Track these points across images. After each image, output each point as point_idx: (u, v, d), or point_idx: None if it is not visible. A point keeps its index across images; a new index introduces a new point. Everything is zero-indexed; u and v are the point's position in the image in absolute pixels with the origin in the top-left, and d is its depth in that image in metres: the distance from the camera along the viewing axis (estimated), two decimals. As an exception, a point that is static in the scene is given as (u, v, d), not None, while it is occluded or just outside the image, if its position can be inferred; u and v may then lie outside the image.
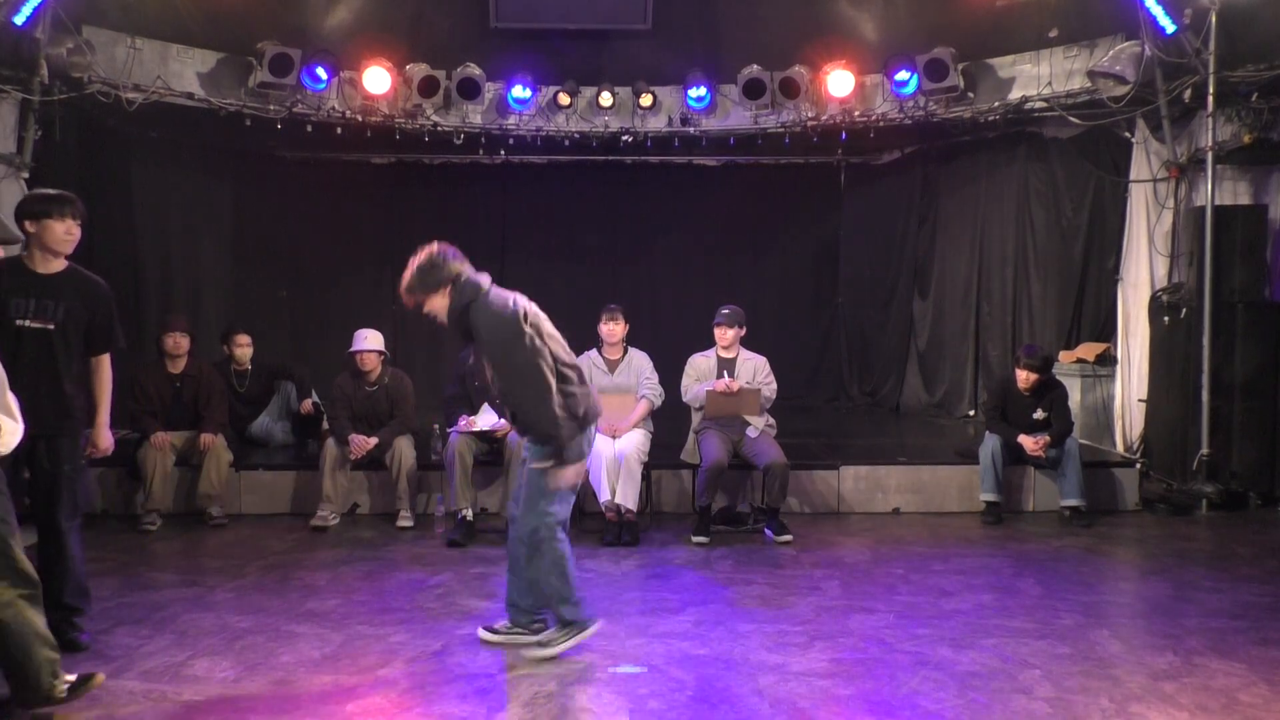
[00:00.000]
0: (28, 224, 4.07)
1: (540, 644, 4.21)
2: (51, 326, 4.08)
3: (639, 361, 6.44)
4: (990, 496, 6.64)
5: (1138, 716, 3.61)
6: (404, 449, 6.50)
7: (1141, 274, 7.58)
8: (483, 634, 4.37)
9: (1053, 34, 7.69)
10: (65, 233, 4.08)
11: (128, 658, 4.10)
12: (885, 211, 10.65)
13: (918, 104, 8.30)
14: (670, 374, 6.52)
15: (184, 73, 8.03)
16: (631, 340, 6.53)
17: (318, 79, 8.12)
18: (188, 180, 9.48)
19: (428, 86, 8.42)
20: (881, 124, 8.65)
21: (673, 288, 10.59)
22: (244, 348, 7.35)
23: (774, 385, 6.40)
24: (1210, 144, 6.83)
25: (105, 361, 4.30)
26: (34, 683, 3.46)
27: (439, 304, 4.15)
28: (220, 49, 8.13)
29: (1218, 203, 6.92)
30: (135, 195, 8.90)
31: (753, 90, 8.49)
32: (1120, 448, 7.59)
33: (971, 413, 9.45)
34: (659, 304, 10.45)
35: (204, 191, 9.71)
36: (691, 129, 8.90)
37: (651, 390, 6.37)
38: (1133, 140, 7.60)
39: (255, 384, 7.44)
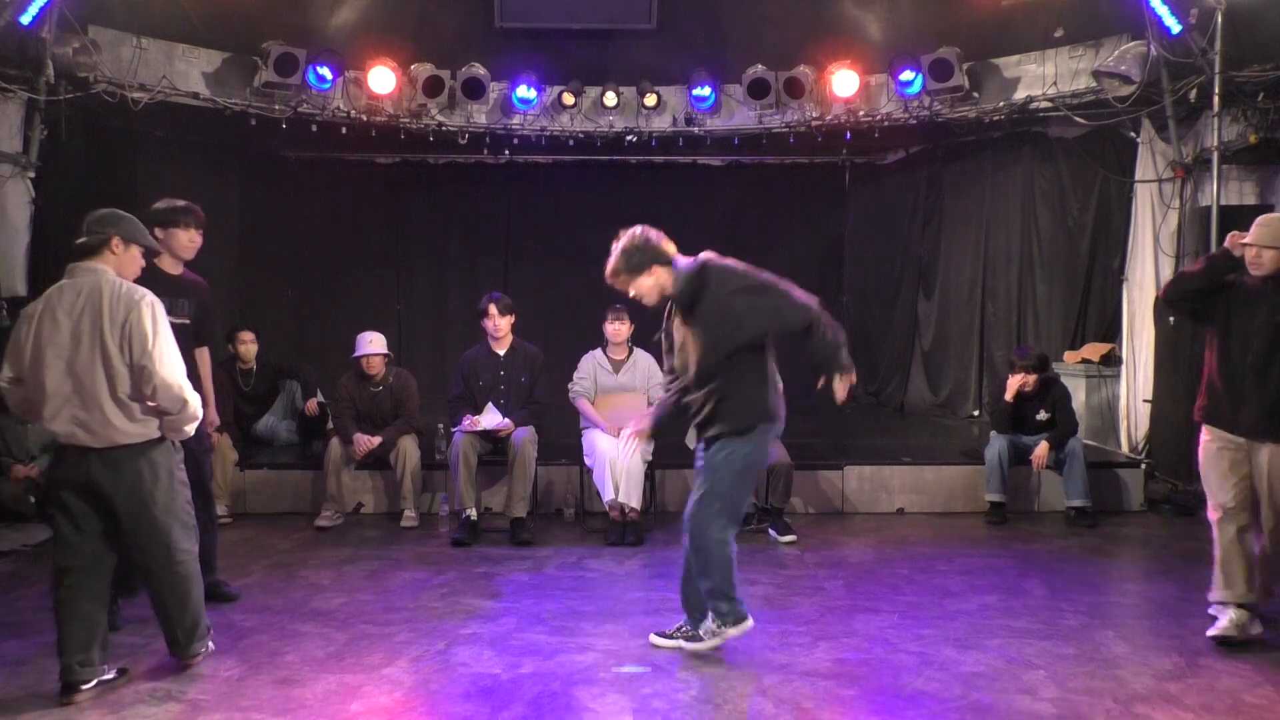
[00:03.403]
0: (157, 231, 4.45)
1: (695, 638, 4.22)
2: (187, 322, 4.57)
3: (645, 362, 6.43)
4: (995, 497, 6.63)
5: (1142, 717, 3.60)
6: (408, 448, 6.51)
7: (1147, 274, 7.55)
8: (654, 640, 4.30)
9: (1058, 34, 7.68)
10: (189, 240, 4.63)
11: (133, 656, 4.11)
12: (890, 211, 10.63)
13: (922, 104, 8.29)
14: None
15: (189, 72, 8.05)
16: (636, 340, 6.53)
17: (322, 79, 8.13)
18: (193, 180, 9.48)
19: (432, 86, 8.42)
20: (886, 124, 8.63)
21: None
22: (249, 345, 7.36)
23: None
24: (1216, 144, 6.81)
25: (206, 353, 4.87)
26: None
27: (646, 285, 4.19)
28: (225, 49, 8.14)
29: (1223, 203, 6.89)
30: (141, 195, 8.87)
31: (757, 90, 8.49)
32: (1125, 448, 7.57)
33: (976, 413, 9.43)
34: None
35: (209, 191, 9.69)
36: (696, 129, 8.89)
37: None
38: (1138, 140, 7.58)
39: (260, 383, 7.46)
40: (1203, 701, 3.73)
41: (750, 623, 4.18)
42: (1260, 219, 4.31)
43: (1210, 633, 4.35)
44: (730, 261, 4.16)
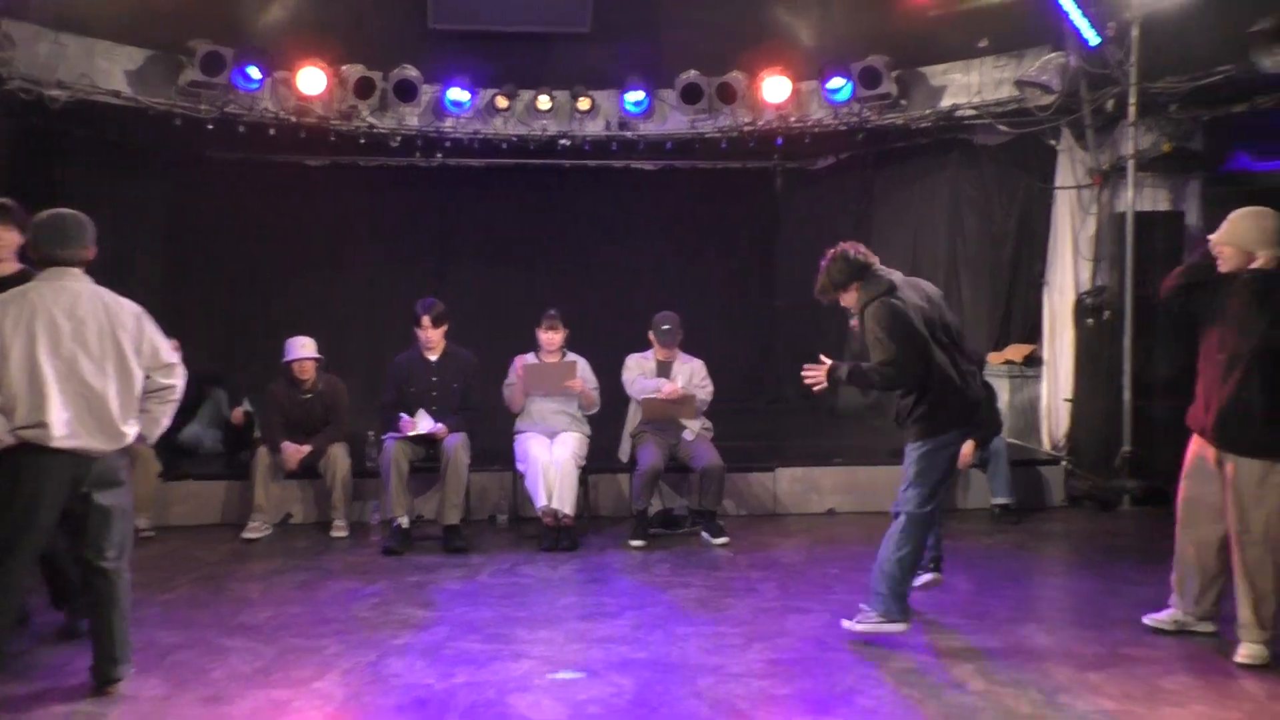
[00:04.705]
0: None
1: (856, 620, 4.43)
2: None
3: (580, 366, 6.42)
4: (923, 496, 6.74)
5: (1066, 707, 3.71)
6: (339, 456, 6.41)
7: (1067, 278, 7.78)
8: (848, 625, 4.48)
9: (982, 44, 7.86)
10: (10, 239, 4.44)
11: (51, 676, 3.98)
12: (821, 216, 10.75)
13: (852, 110, 8.41)
14: (608, 377, 6.53)
15: (111, 70, 7.81)
16: (570, 345, 6.53)
17: (250, 79, 7.95)
18: (116, 181, 9.22)
19: (363, 88, 8.30)
20: (817, 130, 8.74)
21: (612, 291, 10.58)
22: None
23: (710, 388, 6.45)
24: (1132, 152, 7.04)
25: None
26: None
27: (850, 299, 4.53)
28: (149, 46, 7.91)
29: (1139, 209, 7.13)
30: (60, 196, 8.59)
31: (690, 95, 8.54)
32: (1047, 446, 7.78)
33: (906, 414, 9.59)
34: (598, 307, 10.41)
35: (134, 193, 9.45)
36: (629, 133, 8.91)
37: (596, 391, 6.39)
38: (1058, 148, 7.80)
39: (185, 390, 7.26)
40: (1123, 690, 3.85)
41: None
42: (1230, 214, 4.26)
43: (1145, 619, 4.50)
44: (901, 301, 4.40)
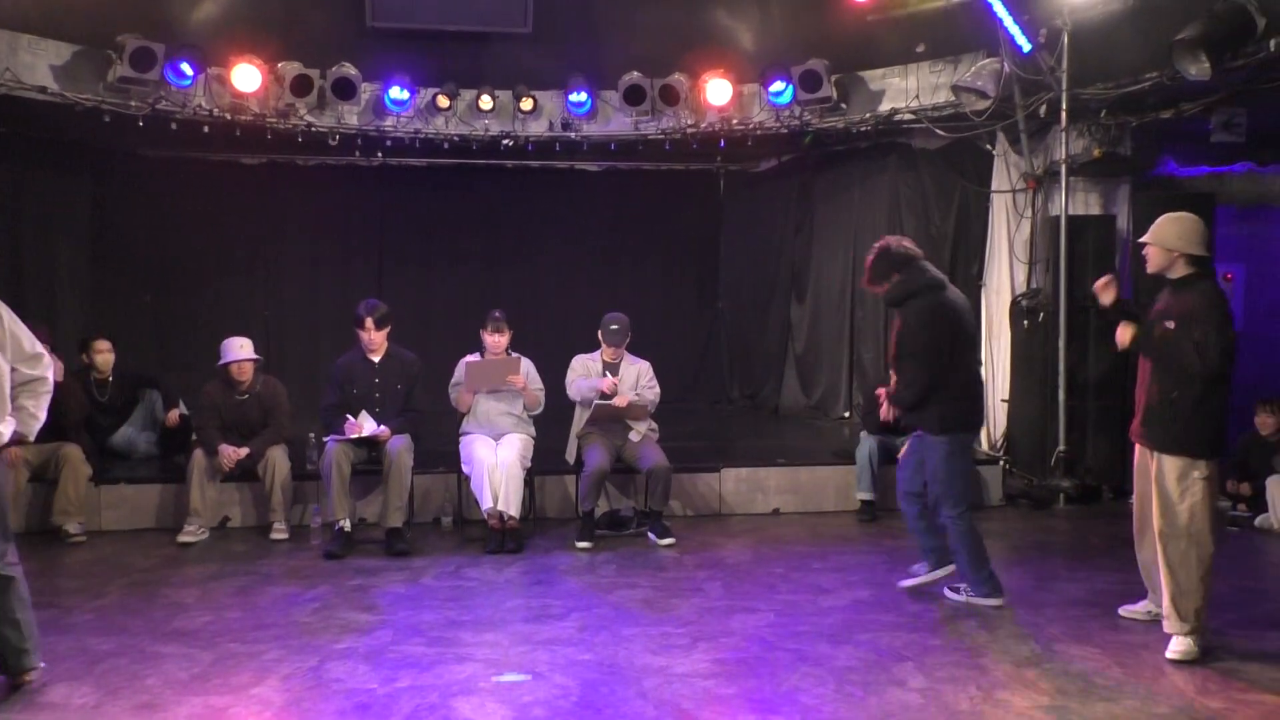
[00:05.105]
0: None
1: (959, 590, 4.96)
2: None
3: (525, 366, 6.39)
4: (866, 495, 6.85)
5: (1003, 703, 3.78)
6: (278, 459, 6.30)
7: (1003, 280, 7.94)
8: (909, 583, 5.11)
9: (920, 49, 7.98)
10: None
11: (-25, 687, 3.85)
12: (764, 218, 10.86)
13: (793, 113, 8.49)
14: (554, 378, 6.50)
15: (36, 65, 7.56)
16: (514, 346, 6.48)
17: (182, 75, 7.77)
18: (41, 179, 8.95)
19: (300, 85, 8.16)
20: (759, 132, 8.81)
21: (555, 292, 10.57)
22: (104, 354, 6.99)
23: (657, 390, 6.46)
24: (1064, 157, 7.21)
25: None
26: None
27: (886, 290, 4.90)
28: (76, 41, 7.70)
29: (1071, 213, 7.30)
30: (-16, 194, 8.38)
31: (633, 96, 8.55)
32: (985, 446, 7.92)
33: (847, 414, 9.72)
34: (541, 308, 10.40)
35: (59, 191, 9.18)
36: (573, 134, 8.89)
37: (540, 393, 6.36)
38: (994, 152, 7.96)
39: (117, 392, 7.09)
40: (1057, 685, 3.94)
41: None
42: (1158, 218, 4.40)
43: (1121, 610, 4.78)
44: (932, 305, 4.77)
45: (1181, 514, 4.23)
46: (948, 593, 5.00)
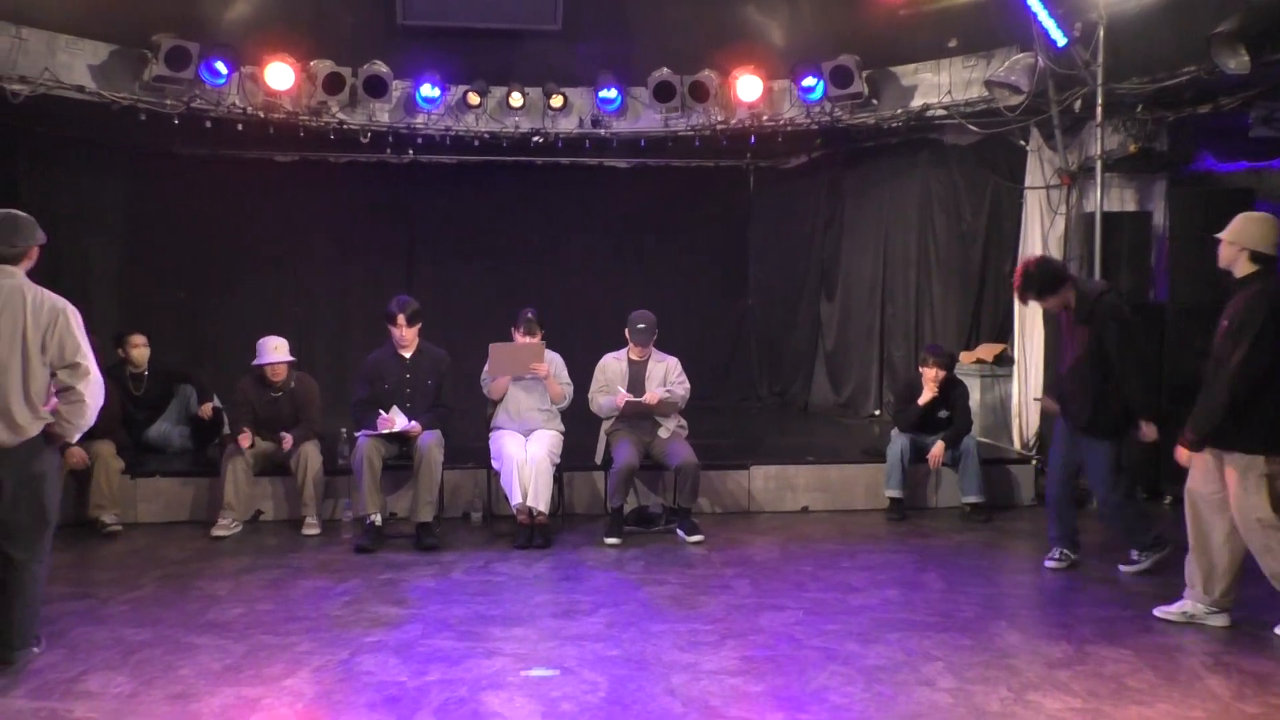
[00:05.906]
0: None
1: (1134, 561, 5.40)
2: None
3: (556, 362, 6.40)
4: (895, 493, 6.81)
5: (1035, 704, 3.74)
6: (310, 454, 6.36)
7: (1036, 277, 7.84)
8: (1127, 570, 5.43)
9: (952, 44, 7.92)
10: None
11: (15, 674, 3.91)
12: (793, 214, 10.82)
13: (824, 109, 8.45)
14: (582, 375, 6.51)
15: (74, 65, 7.68)
16: (545, 343, 6.49)
17: (217, 73, 7.87)
18: (78, 177, 9.09)
19: (333, 83, 8.23)
20: (789, 129, 8.78)
21: (584, 289, 10.58)
22: (140, 349, 7.09)
23: (687, 385, 6.45)
24: (1099, 153, 7.11)
25: None
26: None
27: (1054, 302, 5.29)
28: (113, 41, 7.81)
29: (1106, 209, 7.20)
30: (21, 193, 8.49)
31: (663, 93, 8.54)
32: (1017, 445, 7.84)
33: (877, 412, 9.67)
34: (570, 305, 10.42)
35: (96, 189, 9.32)
36: (602, 131, 8.90)
37: (568, 388, 6.38)
38: (1027, 148, 7.87)
39: (152, 387, 7.18)
40: (1089, 687, 3.89)
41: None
42: (1237, 216, 4.54)
43: (1156, 611, 4.78)
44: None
45: (1250, 510, 4.31)
46: (1125, 568, 5.41)
